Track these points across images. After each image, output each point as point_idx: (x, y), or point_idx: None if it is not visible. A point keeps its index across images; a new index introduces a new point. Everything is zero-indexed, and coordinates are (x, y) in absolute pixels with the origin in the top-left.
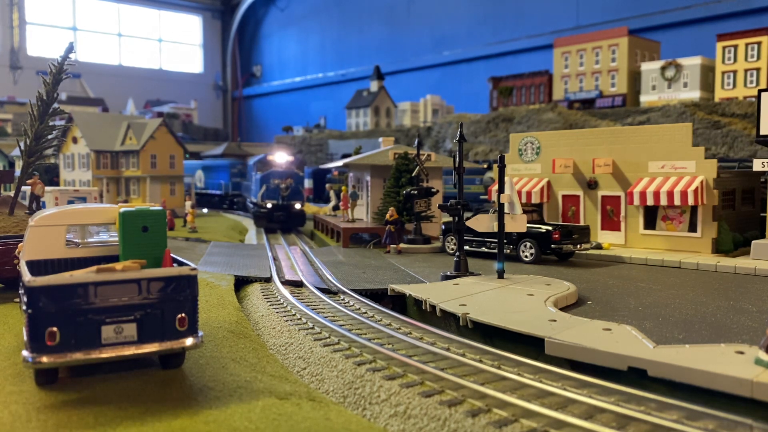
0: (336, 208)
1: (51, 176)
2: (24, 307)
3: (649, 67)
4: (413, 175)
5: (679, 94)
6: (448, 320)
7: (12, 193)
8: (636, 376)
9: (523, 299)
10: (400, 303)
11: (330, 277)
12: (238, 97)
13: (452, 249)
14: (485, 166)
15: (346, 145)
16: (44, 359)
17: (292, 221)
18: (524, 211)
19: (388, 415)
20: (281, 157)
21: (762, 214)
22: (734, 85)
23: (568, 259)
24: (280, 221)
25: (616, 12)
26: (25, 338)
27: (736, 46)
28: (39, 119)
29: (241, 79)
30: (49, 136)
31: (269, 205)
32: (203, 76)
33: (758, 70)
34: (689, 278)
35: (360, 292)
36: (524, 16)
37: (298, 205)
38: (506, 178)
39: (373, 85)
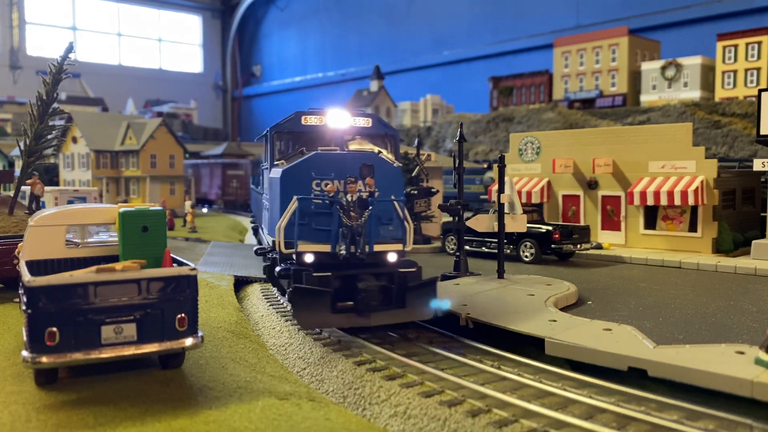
0: None
1: (51, 176)
2: (24, 307)
3: (650, 67)
4: (413, 175)
5: (680, 94)
6: (448, 320)
7: (12, 193)
8: (636, 376)
9: (523, 299)
10: None
11: None
12: (237, 97)
13: (452, 249)
14: (485, 166)
15: None
16: (44, 359)
17: (389, 302)
18: (524, 211)
19: (388, 415)
20: (338, 119)
21: (762, 214)
22: (734, 85)
23: (568, 259)
24: (361, 305)
25: (617, 12)
26: (24, 338)
27: (736, 46)
28: (39, 119)
29: (240, 78)
30: (49, 136)
31: (309, 260)
32: (203, 76)
33: (758, 69)
34: (689, 278)
35: None
36: (524, 15)
37: (393, 254)
38: (506, 178)
39: (373, 85)
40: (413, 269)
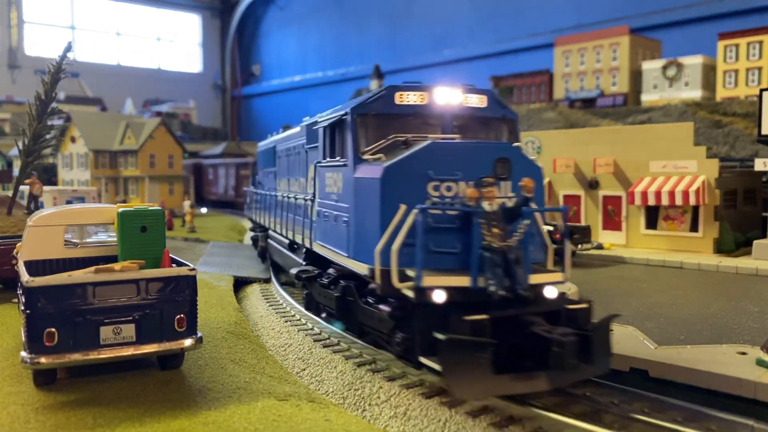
0: None
1: (49, 176)
2: (22, 308)
3: (651, 66)
4: None
5: (681, 93)
6: None
7: (10, 193)
8: (638, 376)
9: None
10: None
11: None
12: (237, 97)
13: None
14: None
15: None
16: (43, 360)
17: (587, 357)
18: None
19: (388, 417)
20: (448, 96)
21: (764, 214)
22: (736, 84)
23: None
24: (555, 364)
25: (617, 11)
26: (23, 339)
27: (737, 45)
28: (37, 119)
29: (240, 78)
30: (48, 136)
31: (439, 299)
32: (202, 76)
33: (760, 69)
34: (691, 278)
35: None
36: (525, 14)
37: (551, 288)
38: None
39: (373, 84)
40: (584, 305)
